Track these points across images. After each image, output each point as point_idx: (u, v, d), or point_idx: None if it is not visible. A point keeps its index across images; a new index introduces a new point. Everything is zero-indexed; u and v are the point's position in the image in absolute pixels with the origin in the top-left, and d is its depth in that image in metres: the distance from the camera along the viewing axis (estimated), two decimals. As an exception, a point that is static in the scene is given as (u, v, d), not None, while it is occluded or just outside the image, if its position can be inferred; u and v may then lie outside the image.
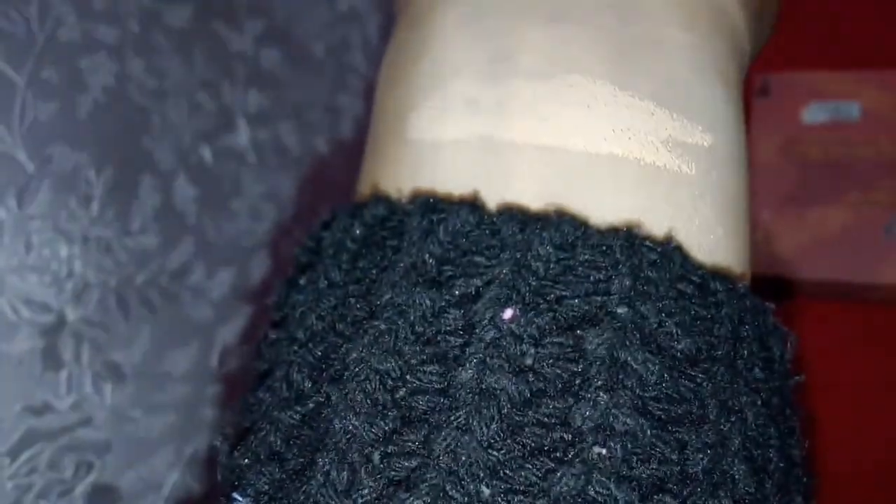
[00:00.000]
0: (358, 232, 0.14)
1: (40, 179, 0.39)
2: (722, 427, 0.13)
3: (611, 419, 0.12)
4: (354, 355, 0.13)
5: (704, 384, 0.13)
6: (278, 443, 0.13)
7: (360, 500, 0.12)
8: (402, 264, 0.14)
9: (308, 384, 0.13)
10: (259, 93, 0.50)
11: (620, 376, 0.12)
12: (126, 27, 0.45)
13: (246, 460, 0.14)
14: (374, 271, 0.14)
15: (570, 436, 0.12)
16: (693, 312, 0.13)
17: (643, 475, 0.12)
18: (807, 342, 0.40)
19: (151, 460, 0.41)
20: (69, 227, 0.40)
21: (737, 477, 0.13)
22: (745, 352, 0.14)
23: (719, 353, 0.13)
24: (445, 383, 0.13)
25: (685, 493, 0.12)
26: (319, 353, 0.14)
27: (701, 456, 0.12)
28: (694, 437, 0.12)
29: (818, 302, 0.42)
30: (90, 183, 0.41)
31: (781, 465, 0.14)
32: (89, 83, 0.42)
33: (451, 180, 0.14)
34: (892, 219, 0.40)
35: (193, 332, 0.43)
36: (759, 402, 0.13)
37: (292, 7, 0.53)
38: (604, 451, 0.12)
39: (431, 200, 0.14)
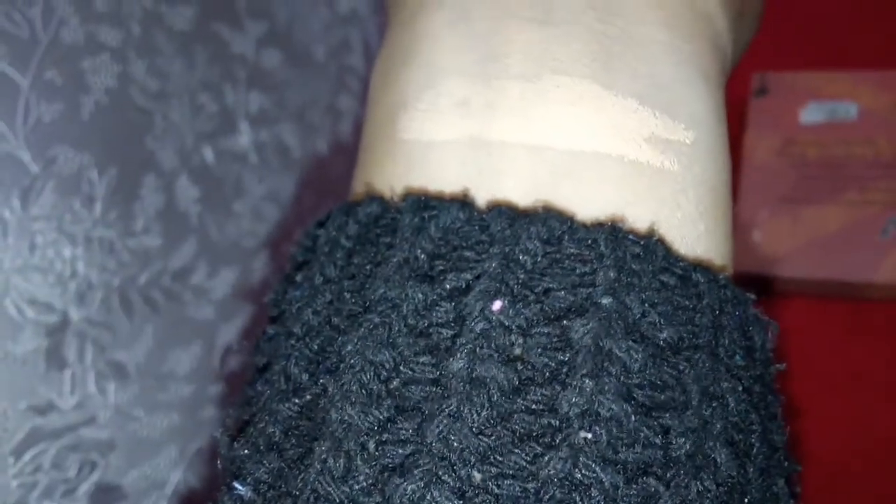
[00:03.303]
0: (352, 230, 0.15)
1: (44, 180, 0.40)
2: (704, 412, 0.13)
3: (596, 405, 0.12)
4: (350, 348, 0.13)
5: (687, 371, 0.13)
6: (277, 433, 0.14)
7: (355, 487, 0.12)
8: (394, 260, 0.14)
9: (305, 377, 0.14)
10: (261, 94, 0.50)
11: (605, 364, 0.13)
12: (128, 29, 0.45)
13: (246, 451, 0.14)
14: (368, 267, 0.14)
15: (557, 422, 0.12)
16: (675, 302, 0.14)
17: (628, 459, 0.12)
18: (803, 340, 0.40)
19: (155, 459, 0.42)
20: (73, 228, 0.41)
21: (719, 460, 0.13)
22: (727, 340, 0.14)
23: (701, 341, 0.13)
24: (437, 373, 0.13)
25: (669, 475, 0.12)
26: (316, 347, 0.14)
27: (684, 440, 0.13)
28: (677, 422, 0.13)
29: (815, 300, 0.42)
30: (93, 184, 0.41)
31: (763, 449, 0.14)
32: (92, 84, 0.42)
33: (442, 179, 0.15)
34: (889, 218, 0.40)
35: (196, 331, 0.44)
36: (741, 389, 0.14)
37: (293, 9, 0.53)
38: (589, 436, 0.12)
39: (423, 198, 0.14)
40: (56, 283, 0.40)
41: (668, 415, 0.13)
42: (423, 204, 0.14)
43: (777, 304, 0.42)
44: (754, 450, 0.14)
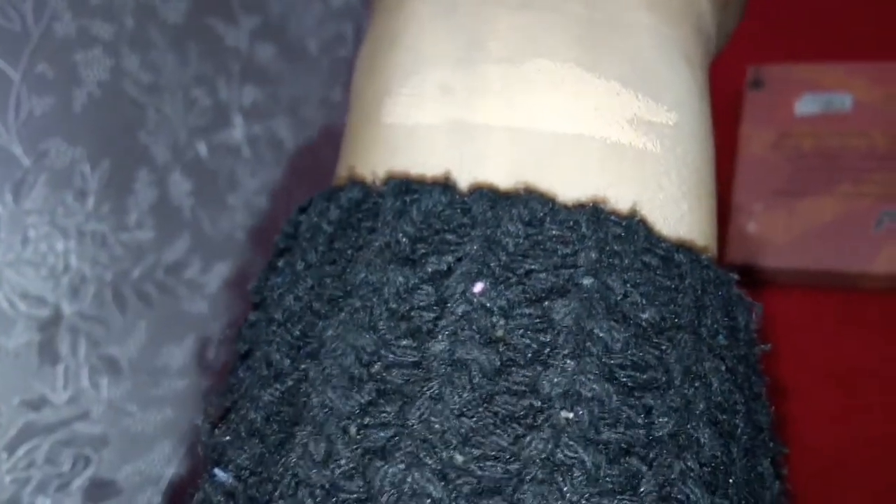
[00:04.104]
0: (334, 215, 0.15)
1: (36, 174, 0.39)
2: (686, 392, 0.13)
3: (578, 385, 0.12)
4: (331, 332, 0.13)
5: (669, 351, 0.13)
6: (258, 419, 0.14)
7: (336, 471, 0.12)
8: (376, 244, 0.14)
9: (286, 362, 0.14)
10: (254, 88, 0.50)
11: (587, 344, 0.13)
12: (121, 22, 0.45)
13: (227, 437, 0.14)
14: (349, 252, 0.14)
15: (538, 402, 0.12)
16: (657, 283, 0.13)
17: (610, 438, 0.12)
18: (797, 330, 0.40)
19: (149, 454, 0.42)
20: (65, 222, 0.40)
21: (702, 440, 0.13)
22: (709, 320, 0.14)
23: (683, 321, 0.13)
24: (419, 356, 0.13)
25: (651, 455, 0.12)
26: (297, 332, 0.14)
27: (666, 419, 0.13)
28: (659, 401, 0.13)
29: (809, 291, 0.42)
30: (86, 177, 0.41)
31: (748, 429, 0.14)
32: (84, 78, 0.42)
33: (424, 163, 0.15)
34: (883, 210, 0.40)
35: (189, 326, 0.44)
36: (724, 369, 0.14)
37: (287, 2, 0.53)
38: (571, 416, 0.12)
39: (405, 182, 0.14)
40: (49, 277, 0.40)
41: (650, 395, 0.13)
42: (405, 188, 0.14)
43: (772, 295, 0.42)
44: (738, 430, 0.14)
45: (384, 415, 0.13)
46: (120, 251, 0.42)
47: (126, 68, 0.44)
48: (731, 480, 0.13)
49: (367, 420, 0.13)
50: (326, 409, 0.13)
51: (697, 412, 0.13)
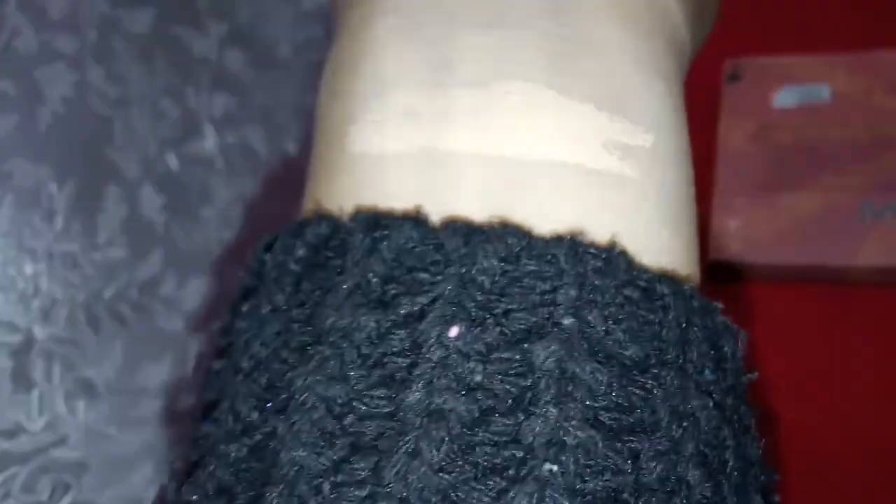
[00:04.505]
0: (300, 253, 0.14)
1: (1, 196, 0.38)
2: (674, 433, 0.13)
3: (561, 433, 0.12)
4: (300, 383, 0.13)
5: (655, 390, 0.13)
6: (226, 477, 0.13)
7: None
8: (345, 286, 0.13)
9: (255, 415, 0.13)
10: (225, 97, 0.49)
11: (570, 388, 0.12)
12: (84, 35, 0.44)
13: (195, 496, 0.13)
14: (317, 294, 0.13)
15: (521, 453, 0.12)
16: (640, 318, 0.13)
17: (597, 487, 0.12)
18: (782, 326, 0.40)
19: (130, 477, 0.41)
20: (33, 244, 0.39)
21: (692, 482, 0.12)
22: (695, 354, 0.13)
23: (668, 357, 0.13)
24: (394, 406, 0.12)
25: (640, 502, 0.12)
26: (265, 382, 0.13)
27: (654, 464, 0.12)
28: (647, 445, 0.12)
29: (794, 287, 0.41)
30: (53, 197, 0.40)
31: (738, 465, 0.14)
32: (48, 94, 0.41)
33: (394, 194, 0.14)
34: (866, 201, 0.40)
35: (167, 344, 0.43)
36: (712, 405, 0.13)
37: (256, 8, 0.52)
38: (555, 468, 0.12)
39: (374, 216, 0.14)
40: (18, 301, 0.39)
41: (636, 438, 0.12)
42: (374, 222, 0.13)
43: (756, 291, 0.42)
44: (728, 467, 0.13)
45: (359, 472, 0.12)
46: (91, 271, 0.41)
47: (91, 82, 0.43)
48: None
49: (340, 478, 0.12)
50: (297, 467, 0.12)
51: (687, 454, 0.12)
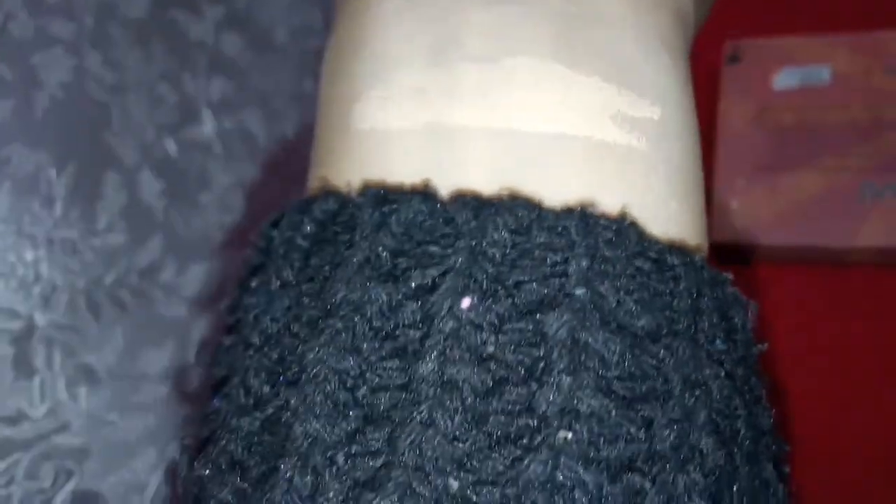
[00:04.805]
0: (308, 229, 0.14)
1: (-1, 182, 0.38)
2: (687, 402, 0.13)
3: (575, 402, 0.12)
4: (312, 356, 0.13)
5: (667, 360, 0.13)
6: (239, 451, 0.13)
7: None
8: (355, 259, 0.13)
9: (266, 389, 0.13)
10: (222, 81, 0.49)
11: (582, 358, 0.12)
12: (81, 20, 0.43)
13: (207, 471, 0.13)
14: (327, 268, 0.13)
15: (535, 422, 0.12)
16: (651, 288, 0.13)
17: (611, 455, 0.12)
18: (784, 308, 0.40)
19: (132, 463, 0.41)
20: (33, 230, 0.39)
21: (705, 450, 0.12)
22: (706, 324, 0.13)
23: (680, 327, 0.13)
24: (407, 378, 0.12)
25: (654, 470, 0.12)
26: (276, 357, 0.13)
27: (667, 432, 0.12)
28: (660, 413, 0.12)
29: (795, 268, 0.41)
30: (51, 183, 0.40)
31: (749, 434, 0.14)
32: (45, 80, 0.41)
33: (401, 170, 0.14)
34: (866, 182, 0.40)
35: (168, 330, 0.43)
36: (723, 374, 0.13)
37: (252, -8, 0.51)
38: (569, 435, 0.12)
39: (382, 192, 0.13)
40: (19, 288, 0.38)
41: (649, 406, 0.12)
42: (383, 197, 0.13)
43: (757, 273, 0.42)
44: (740, 435, 0.13)
45: (373, 442, 0.12)
46: (91, 257, 0.41)
47: (88, 68, 0.43)
48: (735, 488, 0.13)
49: (354, 449, 0.12)
50: (311, 439, 0.12)
51: (699, 422, 0.12)
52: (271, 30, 0.52)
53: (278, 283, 0.14)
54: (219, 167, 0.47)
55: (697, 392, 0.13)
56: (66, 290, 0.40)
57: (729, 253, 0.42)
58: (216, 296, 0.45)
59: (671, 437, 0.12)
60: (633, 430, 0.12)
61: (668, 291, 0.13)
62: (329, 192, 0.14)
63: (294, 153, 0.51)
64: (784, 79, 0.43)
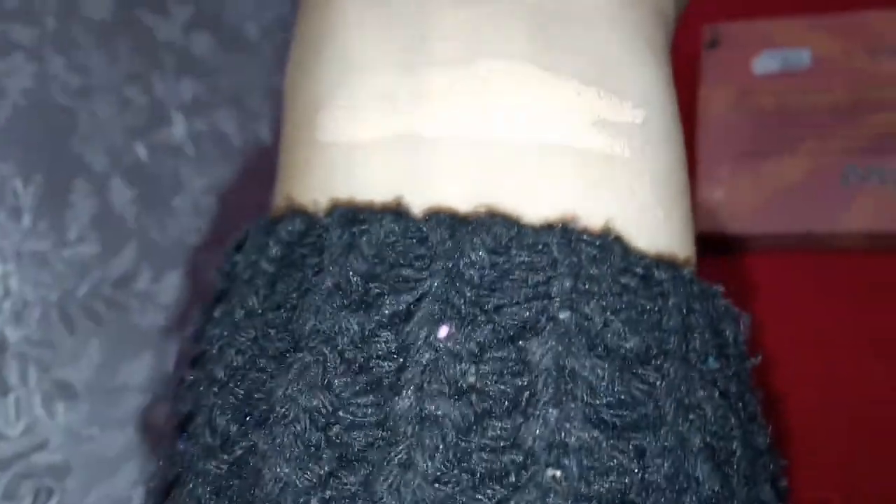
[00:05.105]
0: (274, 252, 0.13)
1: (-37, 195, 0.37)
2: (680, 427, 0.12)
3: (563, 435, 0.11)
4: (280, 393, 0.12)
5: (658, 383, 0.12)
6: (206, 496, 0.12)
7: None
8: (324, 285, 0.12)
9: (233, 428, 0.12)
10: (192, 82, 0.47)
11: (569, 386, 0.11)
12: (42, 24, 0.42)
13: None
14: (294, 296, 0.13)
15: (521, 457, 0.11)
16: (639, 307, 0.12)
17: (602, 490, 0.11)
18: (771, 296, 0.39)
19: (114, 479, 0.40)
20: (1, 244, 0.38)
21: (700, 478, 0.12)
22: (697, 342, 0.13)
23: (670, 347, 0.12)
24: (382, 415, 0.11)
25: (648, 502, 0.11)
26: (242, 393, 0.12)
27: (661, 461, 0.12)
28: (652, 441, 0.12)
29: (781, 255, 0.41)
30: (18, 194, 0.39)
31: (746, 455, 0.13)
32: (7, 87, 0.39)
33: (370, 185, 0.13)
34: (850, 165, 0.39)
35: (145, 340, 0.41)
36: (717, 395, 0.13)
37: (220, -11, 0.50)
38: (558, 473, 0.11)
39: (351, 210, 0.13)
40: (-12, 304, 0.37)
41: (641, 434, 0.12)
42: (352, 217, 0.13)
43: (744, 262, 0.41)
44: (735, 457, 0.13)
45: (348, 487, 0.11)
46: (63, 269, 0.39)
47: (52, 72, 0.42)
48: None
49: (328, 494, 0.11)
50: (281, 484, 0.11)
51: (694, 448, 0.12)
52: (241, 26, 0.51)
53: (242, 311, 0.13)
54: (192, 170, 0.46)
55: (691, 416, 0.12)
56: (38, 304, 0.39)
57: (714, 244, 0.41)
58: (194, 302, 0.44)
59: (665, 467, 0.11)
60: (624, 461, 0.11)
61: (656, 309, 0.12)
62: (295, 212, 0.13)
63: (269, 153, 0.50)
64: (764, 63, 0.42)
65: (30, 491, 0.37)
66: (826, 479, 0.37)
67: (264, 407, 0.12)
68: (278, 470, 0.11)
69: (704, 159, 0.42)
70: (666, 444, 0.12)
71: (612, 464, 0.11)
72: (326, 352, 0.12)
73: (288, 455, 0.11)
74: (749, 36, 0.43)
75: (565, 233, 0.12)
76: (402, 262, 0.12)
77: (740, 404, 0.13)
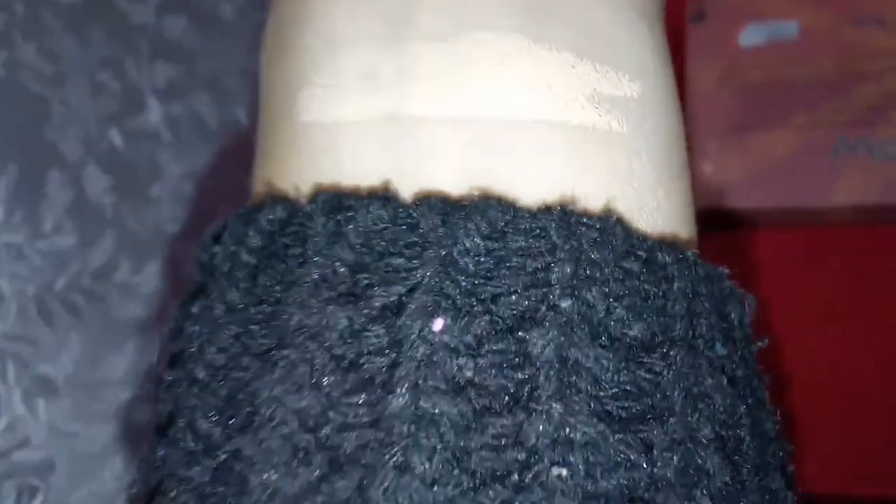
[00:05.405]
0: (254, 242, 0.12)
1: (-68, 188, 0.36)
2: (689, 419, 0.11)
3: (567, 430, 0.11)
4: (265, 394, 0.11)
5: (664, 372, 0.11)
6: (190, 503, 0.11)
7: None
8: (309, 278, 0.12)
9: (216, 432, 0.11)
10: (167, 65, 0.46)
11: (573, 379, 0.11)
12: (10, 9, 0.41)
13: None
14: (277, 289, 0.12)
15: (524, 456, 0.11)
16: (643, 292, 0.12)
17: (610, 487, 0.11)
18: (765, 273, 0.39)
19: (100, 474, 0.39)
20: (-27, 237, 0.37)
21: (711, 470, 0.11)
22: (704, 327, 0.12)
23: (676, 333, 0.12)
24: (376, 415, 0.11)
25: (658, 498, 0.11)
26: (225, 394, 0.12)
27: (670, 454, 0.11)
28: (661, 434, 0.11)
29: (773, 231, 0.41)
30: (-10, 186, 0.38)
31: (755, 444, 0.12)
32: (-26, 75, 0.38)
33: (355, 169, 0.12)
34: (840, 139, 0.39)
35: (127, 332, 0.41)
36: (725, 382, 0.12)
37: (194, -31, 0.49)
38: (564, 472, 0.10)
39: (336, 196, 0.12)
40: (-38, 299, 0.36)
41: (649, 427, 0.11)
42: (337, 203, 0.12)
43: (736, 238, 0.41)
44: (745, 445, 0.12)
45: (341, 492, 0.10)
46: (39, 262, 0.38)
47: (22, 60, 0.40)
48: None
49: (320, 500, 0.10)
50: (270, 491, 0.11)
51: (704, 440, 0.11)
52: (216, 7, 0.50)
53: (223, 307, 0.12)
54: (169, 157, 0.45)
55: (700, 406, 0.11)
56: (15, 298, 0.38)
57: (707, 220, 0.41)
58: (175, 292, 0.43)
59: (675, 460, 0.11)
60: (632, 455, 0.11)
61: (661, 294, 0.12)
62: (276, 199, 0.13)
63: (248, 136, 0.49)
64: (750, 36, 0.42)
65: (13, 490, 0.37)
66: (821, 451, 0.37)
67: (249, 409, 0.11)
68: (265, 476, 0.11)
69: (692, 135, 0.41)
70: (675, 436, 0.11)
71: (619, 459, 0.11)
72: (314, 349, 0.11)
73: (275, 460, 0.11)
74: (735, 8, 0.42)
75: (564, 216, 0.12)
76: (391, 250, 0.12)
77: (748, 390, 0.13)
